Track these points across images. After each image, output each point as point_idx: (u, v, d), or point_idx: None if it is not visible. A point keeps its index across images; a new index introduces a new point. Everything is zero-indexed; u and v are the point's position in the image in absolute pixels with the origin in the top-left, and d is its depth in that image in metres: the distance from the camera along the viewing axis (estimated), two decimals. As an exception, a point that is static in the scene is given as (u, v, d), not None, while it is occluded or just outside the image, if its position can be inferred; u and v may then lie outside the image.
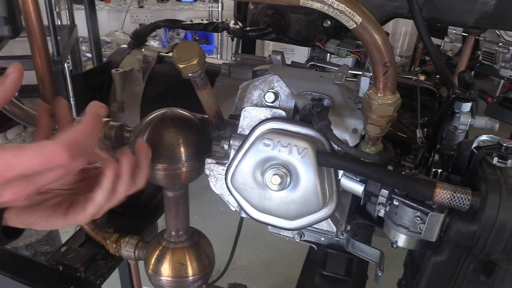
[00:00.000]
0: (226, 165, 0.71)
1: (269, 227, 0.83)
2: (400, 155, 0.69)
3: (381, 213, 0.67)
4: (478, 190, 0.57)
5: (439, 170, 0.69)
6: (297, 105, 0.70)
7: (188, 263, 0.87)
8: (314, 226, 0.73)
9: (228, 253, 1.39)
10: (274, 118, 0.68)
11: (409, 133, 0.81)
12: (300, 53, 3.95)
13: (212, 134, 0.78)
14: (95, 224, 1.04)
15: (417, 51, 3.36)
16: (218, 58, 4.64)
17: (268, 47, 4.37)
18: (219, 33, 4.39)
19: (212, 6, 4.45)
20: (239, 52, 1.37)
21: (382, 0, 1.00)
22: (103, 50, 3.22)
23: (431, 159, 0.76)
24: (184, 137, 0.75)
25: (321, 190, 0.65)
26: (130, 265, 1.25)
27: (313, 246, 0.91)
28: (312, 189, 0.65)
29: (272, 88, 0.71)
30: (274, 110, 0.69)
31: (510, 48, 2.56)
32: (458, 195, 0.56)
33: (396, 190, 0.64)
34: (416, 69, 3.15)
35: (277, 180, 0.64)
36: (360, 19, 0.52)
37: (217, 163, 0.74)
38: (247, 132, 0.69)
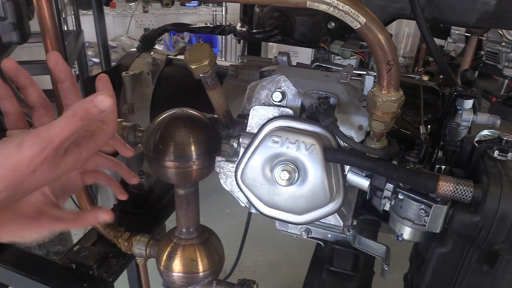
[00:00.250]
0: (236, 162, 0.74)
1: (277, 224, 0.85)
2: (404, 150, 0.71)
3: (387, 207, 0.70)
4: (480, 182, 0.59)
5: (443, 167, 0.71)
6: (303, 104, 0.72)
7: (199, 259, 0.89)
8: (322, 220, 0.76)
9: (234, 255, 1.40)
10: (282, 116, 0.70)
11: (413, 130, 0.83)
12: (303, 55, 3.98)
13: (221, 133, 0.81)
14: (106, 223, 1.07)
15: (420, 52, 3.38)
16: (222, 60, 4.68)
17: (271, 49, 4.41)
18: (223, 36, 4.43)
19: (216, 10, 4.50)
20: (245, 54, 1.40)
21: (385, 1, 1.02)
22: (109, 54, 3.26)
23: (434, 155, 0.78)
24: (194, 136, 0.78)
25: (328, 185, 0.67)
26: (138, 266, 1.27)
27: (320, 243, 0.93)
28: (319, 184, 0.67)
29: (280, 88, 0.73)
30: (282, 108, 0.71)
31: (513, 47, 2.59)
32: (461, 187, 0.58)
33: (400, 184, 0.66)
34: (420, 69, 3.16)
35: (286, 175, 0.67)
36: (364, 20, 0.54)
37: (227, 160, 0.76)
38: (255, 131, 0.72)
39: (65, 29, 3.72)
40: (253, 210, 0.77)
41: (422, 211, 0.65)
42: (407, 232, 0.70)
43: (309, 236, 0.86)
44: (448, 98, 0.80)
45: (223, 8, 4.36)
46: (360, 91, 0.72)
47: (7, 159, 0.46)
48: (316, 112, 0.68)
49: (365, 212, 0.82)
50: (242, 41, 1.22)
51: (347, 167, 0.70)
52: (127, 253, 1.03)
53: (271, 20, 1.09)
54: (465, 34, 2.70)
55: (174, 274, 0.89)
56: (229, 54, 4.77)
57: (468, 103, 0.78)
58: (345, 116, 0.69)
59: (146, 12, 4.40)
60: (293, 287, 2.59)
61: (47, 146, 0.47)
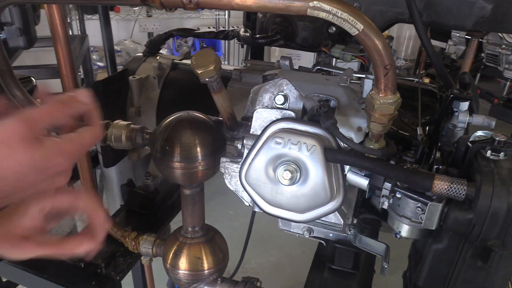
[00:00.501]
0: (240, 163, 0.77)
1: (280, 223, 0.88)
2: (402, 151, 0.74)
3: (385, 205, 0.72)
4: (473, 181, 0.62)
5: (441, 167, 0.74)
6: (305, 106, 0.75)
7: (204, 257, 0.92)
8: (323, 219, 0.78)
9: (238, 256, 1.42)
10: (284, 119, 0.73)
11: (411, 131, 0.86)
12: (306, 59, 4.01)
13: (226, 135, 0.84)
14: (114, 223, 1.10)
15: (421, 55, 3.40)
16: (226, 64, 4.72)
17: (274, 53, 4.44)
18: (227, 41, 4.46)
19: (219, 14, 4.53)
20: (249, 58, 1.43)
21: (384, 6, 1.05)
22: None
23: (432, 156, 0.81)
24: (200, 138, 0.81)
25: (328, 184, 0.70)
26: (144, 266, 1.30)
27: (322, 242, 0.96)
28: (320, 183, 0.70)
29: (282, 91, 0.76)
30: (284, 111, 0.74)
31: (513, 49, 2.61)
32: (455, 185, 0.61)
33: (398, 183, 0.69)
34: (421, 72, 3.18)
35: (288, 175, 0.69)
36: (362, 26, 0.57)
37: (231, 161, 0.79)
38: (259, 132, 0.75)
39: (70, 33, 3.77)
40: (256, 209, 0.80)
41: (419, 209, 0.67)
42: (405, 230, 0.72)
43: (311, 235, 0.89)
44: (444, 101, 0.83)
45: (226, 12, 4.39)
46: (360, 94, 0.75)
47: None
48: (317, 115, 0.71)
49: (365, 211, 0.85)
50: (245, 46, 1.25)
51: (347, 167, 0.73)
52: (134, 252, 1.06)
53: (273, 25, 1.12)
54: (466, 36, 2.72)
55: (180, 271, 0.92)
56: (232, 57, 4.81)
57: (464, 105, 0.81)
58: (345, 118, 0.72)
59: (150, 16, 4.45)
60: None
61: (23, 124, 0.48)
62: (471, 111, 0.85)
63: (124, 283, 1.14)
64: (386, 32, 1.39)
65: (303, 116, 0.75)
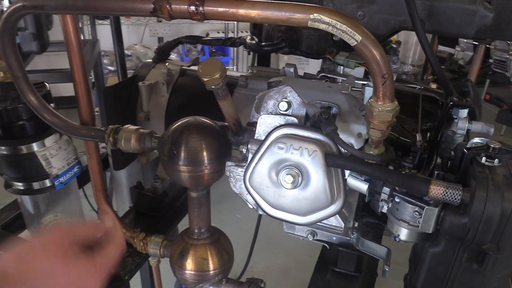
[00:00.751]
0: (245, 167, 0.79)
1: (284, 227, 0.91)
2: (401, 157, 0.76)
3: (384, 209, 0.75)
4: (469, 186, 0.64)
5: (438, 172, 0.76)
6: (308, 113, 0.78)
7: (210, 258, 0.94)
8: (324, 222, 0.81)
9: (245, 259, 1.44)
10: (287, 125, 0.76)
11: (411, 138, 0.88)
12: (314, 64, 4.02)
13: (231, 140, 0.87)
14: (123, 224, 1.13)
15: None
16: (234, 69, 4.75)
17: (283, 58, 4.47)
18: (235, 45, 4.50)
19: (228, 19, 4.57)
20: (255, 64, 1.47)
21: (388, 15, 1.07)
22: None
23: (433, 162, 0.83)
24: (206, 143, 0.84)
25: (329, 188, 0.72)
26: (151, 268, 1.33)
27: (326, 245, 0.98)
28: (321, 187, 0.72)
29: (286, 98, 0.79)
30: (288, 117, 0.77)
31: (521, 56, 2.60)
32: (450, 190, 0.63)
33: (397, 188, 0.71)
34: (429, 77, 3.19)
35: (290, 179, 0.72)
36: (360, 37, 0.59)
37: (236, 165, 0.82)
38: (263, 138, 0.78)
39: (82, 38, 3.83)
40: (260, 212, 0.83)
41: (416, 213, 0.70)
42: (403, 233, 0.75)
43: (315, 238, 0.91)
44: (444, 108, 0.85)
45: (235, 17, 4.43)
46: (361, 101, 0.78)
47: None
48: (319, 121, 0.73)
49: (366, 215, 0.87)
50: (252, 53, 1.28)
51: (347, 172, 0.75)
52: (142, 252, 1.09)
53: (279, 33, 1.15)
54: (473, 43, 2.73)
55: (186, 272, 0.95)
56: (241, 62, 4.85)
57: (463, 112, 0.83)
58: (346, 125, 0.75)
59: (160, 21, 4.51)
60: (302, 291, 2.62)
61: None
62: (471, 118, 0.87)
63: (133, 283, 1.17)
64: (394, 37, 1.40)
65: (305, 122, 0.78)
